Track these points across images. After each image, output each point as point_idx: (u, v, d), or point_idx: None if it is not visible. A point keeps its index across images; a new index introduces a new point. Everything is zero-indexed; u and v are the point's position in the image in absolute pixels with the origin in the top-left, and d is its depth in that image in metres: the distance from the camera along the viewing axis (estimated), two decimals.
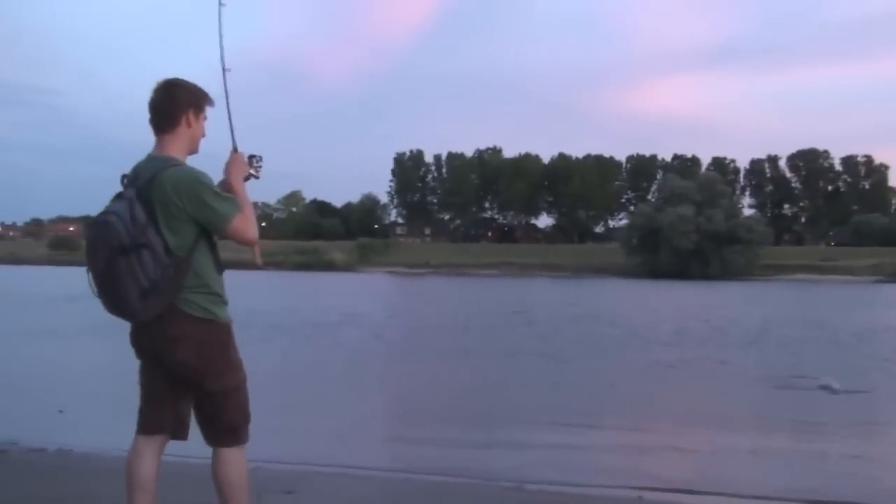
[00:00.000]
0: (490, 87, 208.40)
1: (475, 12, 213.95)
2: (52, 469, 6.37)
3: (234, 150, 3.78)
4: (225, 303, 3.60)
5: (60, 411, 9.67)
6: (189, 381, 3.52)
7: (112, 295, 3.36)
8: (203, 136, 3.69)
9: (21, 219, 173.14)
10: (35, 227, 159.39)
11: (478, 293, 49.40)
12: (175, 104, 3.55)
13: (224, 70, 3.88)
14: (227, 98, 3.85)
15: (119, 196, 3.45)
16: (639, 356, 17.33)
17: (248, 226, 3.55)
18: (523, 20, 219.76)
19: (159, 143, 3.56)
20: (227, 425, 3.57)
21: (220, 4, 3.90)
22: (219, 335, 3.53)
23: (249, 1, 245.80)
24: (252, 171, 3.75)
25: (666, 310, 34.79)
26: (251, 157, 3.78)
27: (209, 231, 3.49)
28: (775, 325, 26.14)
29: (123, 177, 3.51)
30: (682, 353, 18.13)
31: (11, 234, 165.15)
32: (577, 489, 6.49)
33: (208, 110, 3.68)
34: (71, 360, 14.28)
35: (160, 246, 3.34)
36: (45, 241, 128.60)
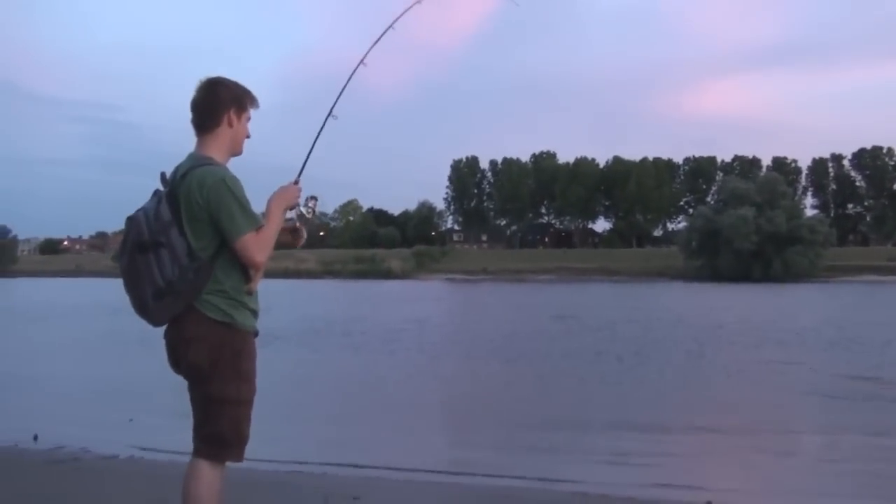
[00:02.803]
0: (545, 91, 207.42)
1: (529, 16, 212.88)
2: (123, 475, 6.50)
3: (296, 181, 3.66)
4: (250, 310, 3.42)
5: (130, 420, 9.89)
6: (197, 383, 3.39)
7: (132, 292, 3.31)
8: (247, 136, 3.57)
9: (86, 232, 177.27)
10: (100, 240, 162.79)
11: (537, 299, 49.17)
12: (217, 103, 3.44)
13: (329, 114, 3.94)
14: (317, 138, 3.88)
15: (155, 193, 3.39)
16: (710, 359, 17.09)
17: (257, 248, 3.33)
18: (577, 23, 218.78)
19: (200, 143, 3.47)
20: (214, 436, 3.36)
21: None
22: (233, 341, 3.35)
23: (304, 9, 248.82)
24: (302, 209, 3.65)
25: (733, 312, 34.18)
26: (310, 196, 3.68)
27: None
28: (846, 327, 25.51)
29: (163, 174, 3.42)
30: (755, 355, 17.85)
31: (77, 247, 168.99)
32: (644, 494, 6.40)
33: (252, 111, 3.57)
34: (138, 369, 14.57)
35: (182, 247, 3.24)
36: (109, 254, 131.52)
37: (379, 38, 4.22)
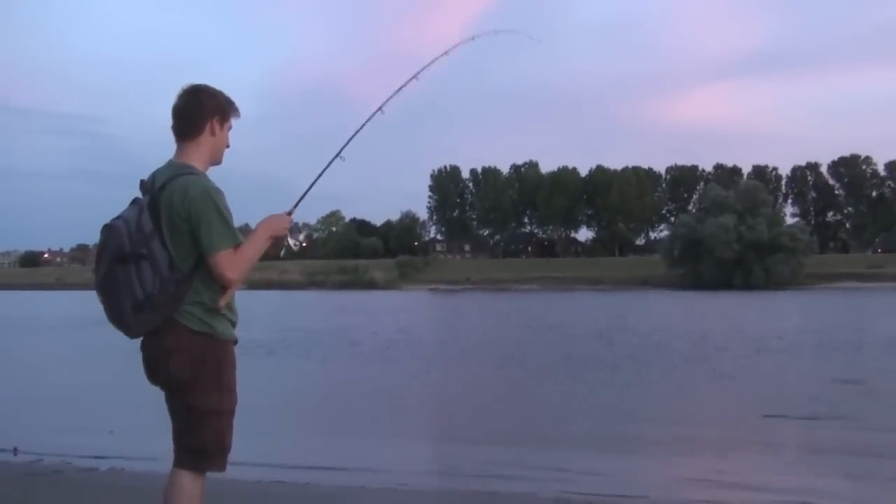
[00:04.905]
0: (526, 101, 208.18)
1: (510, 26, 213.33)
2: (104, 487, 6.44)
3: (289, 213, 3.60)
4: (229, 320, 3.40)
5: (111, 431, 9.82)
6: (177, 394, 3.35)
7: (108, 303, 3.25)
8: (227, 146, 3.53)
9: (67, 245, 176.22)
10: (81, 253, 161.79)
11: (522, 308, 49.21)
12: (200, 110, 3.40)
13: (338, 156, 3.92)
14: (319, 176, 3.84)
15: (134, 201, 3.34)
16: (694, 366, 17.13)
17: (232, 265, 3.26)
18: (558, 33, 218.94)
19: (180, 150, 3.42)
20: (196, 446, 3.34)
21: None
22: (215, 351, 3.33)
23: (286, 23, 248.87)
24: (289, 240, 3.63)
25: (718, 320, 34.34)
26: (298, 230, 3.67)
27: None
28: (832, 332, 25.64)
29: (143, 182, 3.38)
30: (746, 362, 17.93)
31: (58, 259, 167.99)
32: (623, 501, 6.41)
33: (234, 121, 3.54)
34: (118, 380, 14.47)
35: (164, 259, 3.20)
36: (90, 267, 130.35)
37: (401, 88, 4.19)
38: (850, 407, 11.89)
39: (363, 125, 4.01)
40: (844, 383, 14.35)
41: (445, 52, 4.49)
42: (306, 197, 3.76)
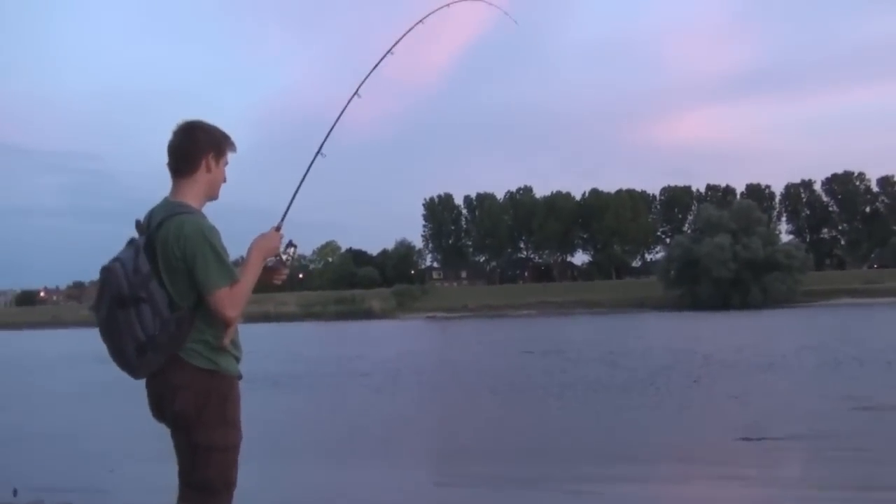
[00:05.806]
0: (518, 126, 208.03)
1: (500, 50, 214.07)
2: None
3: (277, 228, 3.59)
4: (233, 356, 3.39)
5: (112, 470, 9.74)
6: (183, 431, 3.34)
7: (112, 346, 3.26)
8: (224, 181, 3.51)
9: (63, 282, 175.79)
10: (76, 291, 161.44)
11: (521, 334, 49.08)
12: (195, 147, 3.38)
13: (318, 153, 3.86)
14: (304, 178, 3.79)
15: (131, 242, 3.32)
16: (699, 388, 17.05)
17: (231, 303, 3.26)
18: (548, 56, 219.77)
19: (176, 187, 3.41)
20: (200, 483, 3.32)
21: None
22: (220, 387, 3.32)
23: (279, 55, 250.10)
24: (283, 256, 3.59)
25: (719, 340, 34.22)
26: (289, 243, 3.61)
27: None
28: (835, 350, 25.57)
29: (139, 222, 3.37)
30: (752, 381, 17.88)
31: (54, 297, 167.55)
32: None
33: (230, 155, 3.51)
34: (118, 418, 14.39)
35: (163, 300, 3.19)
36: (86, 304, 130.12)
37: (376, 66, 4.14)
38: (858, 429, 11.83)
39: (341, 113, 3.98)
40: (848, 400, 14.25)
41: (421, 21, 4.44)
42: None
